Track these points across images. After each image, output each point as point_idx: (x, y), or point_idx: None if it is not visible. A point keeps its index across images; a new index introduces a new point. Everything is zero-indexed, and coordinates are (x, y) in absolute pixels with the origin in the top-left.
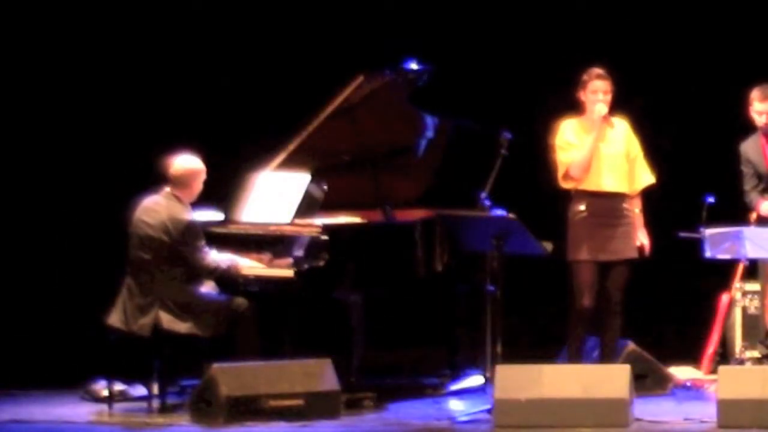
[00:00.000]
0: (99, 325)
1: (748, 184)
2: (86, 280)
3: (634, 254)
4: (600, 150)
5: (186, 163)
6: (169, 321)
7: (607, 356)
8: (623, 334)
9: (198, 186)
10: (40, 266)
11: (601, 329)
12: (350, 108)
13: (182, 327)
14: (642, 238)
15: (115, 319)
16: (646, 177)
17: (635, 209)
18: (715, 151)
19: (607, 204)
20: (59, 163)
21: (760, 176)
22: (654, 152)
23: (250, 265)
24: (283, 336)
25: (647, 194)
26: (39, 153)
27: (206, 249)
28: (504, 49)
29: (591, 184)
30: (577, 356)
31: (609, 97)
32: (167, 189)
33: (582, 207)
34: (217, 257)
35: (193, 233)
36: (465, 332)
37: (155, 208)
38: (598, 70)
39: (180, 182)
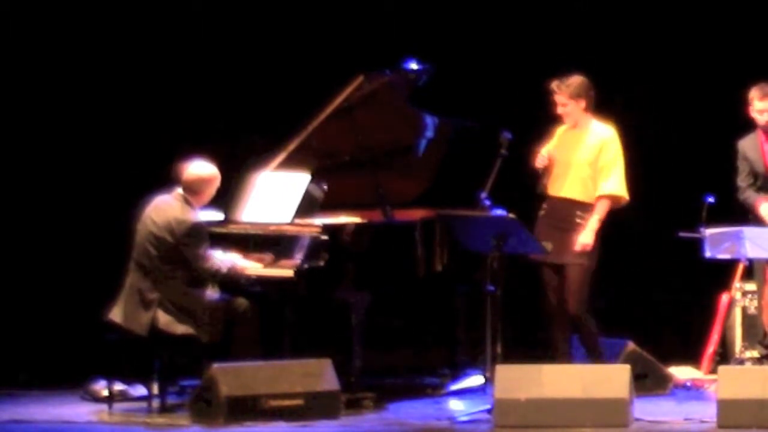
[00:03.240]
0: (99, 324)
1: (744, 181)
2: (86, 279)
3: (568, 259)
4: (563, 156)
5: (199, 170)
6: (166, 322)
7: (589, 356)
8: (628, 335)
9: (210, 193)
10: (40, 265)
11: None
12: (350, 108)
13: (179, 329)
14: (581, 240)
15: (115, 313)
16: (605, 186)
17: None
18: (715, 151)
19: (559, 209)
20: (58, 163)
21: (756, 174)
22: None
23: (250, 266)
24: (283, 336)
25: (648, 195)
26: (38, 152)
27: (209, 252)
28: (504, 50)
29: (549, 189)
30: (561, 355)
31: (569, 107)
32: (179, 190)
33: (542, 207)
34: (219, 260)
35: (198, 235)
36: (465, 332)
37: (164, 208)
38: (551, 85)
39: (192, 188)
